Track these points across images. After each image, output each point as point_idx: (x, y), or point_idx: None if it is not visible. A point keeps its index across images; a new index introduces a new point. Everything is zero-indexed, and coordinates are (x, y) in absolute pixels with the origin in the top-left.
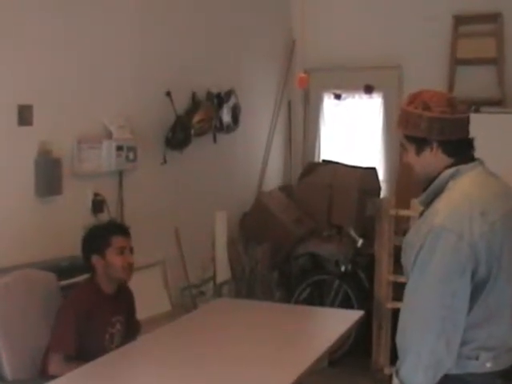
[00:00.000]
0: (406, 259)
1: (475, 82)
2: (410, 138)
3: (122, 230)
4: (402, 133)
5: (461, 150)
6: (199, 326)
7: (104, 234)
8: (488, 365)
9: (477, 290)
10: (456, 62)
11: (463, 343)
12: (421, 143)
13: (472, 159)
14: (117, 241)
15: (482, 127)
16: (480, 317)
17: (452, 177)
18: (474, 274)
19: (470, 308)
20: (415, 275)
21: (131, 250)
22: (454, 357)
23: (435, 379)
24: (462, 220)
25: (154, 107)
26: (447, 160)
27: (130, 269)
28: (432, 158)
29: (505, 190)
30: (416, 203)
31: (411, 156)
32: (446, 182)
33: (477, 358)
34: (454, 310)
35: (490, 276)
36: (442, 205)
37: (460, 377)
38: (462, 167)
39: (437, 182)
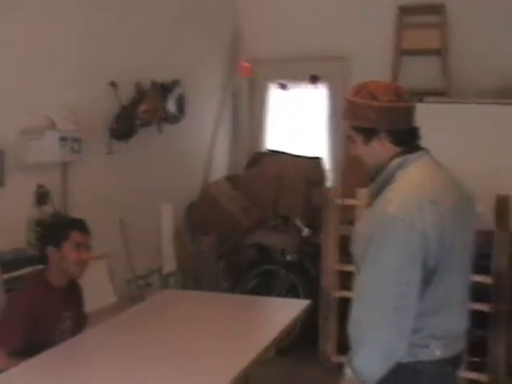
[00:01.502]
0: (356, 249)
1: (420, 72)
2: (358, 129)
3: (82, 226)
4: (348, 124)
5: (408, 139)
6: (145, 318)
7: (64, 227)
8: (438, 352)
9: (428, 279)
10: (401, 52)
11: (414, 332)
12: (369, 133)
13: (418, 148)
14: (75, 236)
15: (426, 117)
16: (431, 306)
17: (400, 166)
18: (425, 263)
19: (421, 297)
20: (367, 265)
21: (88, 249)
22: (405, 345)
23: (388, 367)
24: (413, 209)
25: (98, 98)
26: (395, 149)
27: (83, 266)
28: (380, 148)
29: (451, 180)
30: (362, 193)
31: (359, 147)
32: (394, 172)
33: (427, 346)
34: (407, 300)
35: (440, 265)
36: (392, 194)
37: (411, 365)
38: (409, 157)
39: (385, 172)
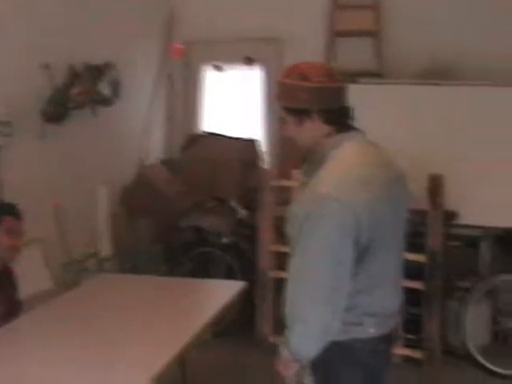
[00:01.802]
0: (291, 229)
1: (354, 53)
2: (290, 110)
3: (14, 211)
4: (280, 106)
5: (340, 119)
6: (81, 303)
7: None
8: (371, 330)
9: (360, 257)
10: (335, 34)
11: (348, 309)
12: (301, 114)
13: (352, 128)
14: (7, 221)
15: (360, 98)
16: (363, 284)
17: (333, 146)
18: (357, 241)
19: (354, 275)
20: (301, 244)
21: (20, 234)
22: (339, 323)
23: (323, 345)
24: (346, 188)
25: (30, 80)
26: (328, 129)
27: (15, 251)
28: (313, 129)
29: (385, 160)
30: (298, 174)
31: (292, 128)
32: (328, 152)
33: (361, 324)
34: (340, 278)
35: (373, 243)
36: (325, 174)
37: (346, 342)
38: (342, 136)
39: (318, 152)
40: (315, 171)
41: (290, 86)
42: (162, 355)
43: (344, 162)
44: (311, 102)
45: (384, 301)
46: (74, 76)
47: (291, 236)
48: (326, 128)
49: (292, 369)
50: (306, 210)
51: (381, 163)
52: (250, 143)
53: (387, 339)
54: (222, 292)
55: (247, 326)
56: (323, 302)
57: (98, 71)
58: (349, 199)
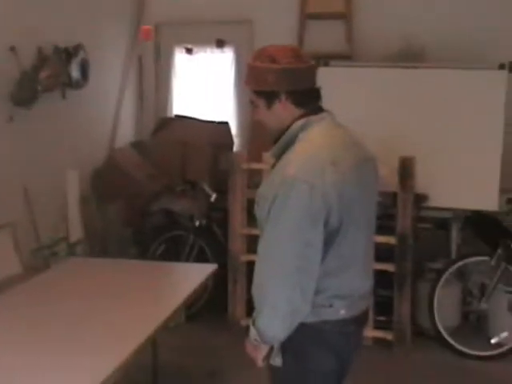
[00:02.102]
0: (260, 211)
1: (325, 36)
2: (259, 93)
3: None
4: (250, 89)
5: (309, 100)
6: (50, 287)
7: None
8: (342, 312)
9: (330, 239)
10: (306, 16)
11: (318, 292)
12: (270, 96)
13: (321, 110)
14: None
15: (332, 81)
16: (333, 266)
17: (302, 128)
18: (326, 223)
19: (324, 257)
20: (269, 226)
21: None
22: (309, 305)
23: (292, 327)
24: (314, 170)
25: None
26: (297, 111)
27: None
28: (282, 110)
29: (353, 141)
30: (268, 156)
31: (262, 111)
32: (297, 134)
33: (331, 306)
34: (309, 260)
35: (342, 225)
36: (293, 156)
37: (316, 324)
38: (311, 118)
39: (287, 134)
40: (283, 153)
41: (258, 69)
42: (134, 337)
43: (312, 143)
44: (279, 84)
45: (354, 282)
46: (43, 59)
47: (260, 218)
48: (294, 109)
49: (260, 350)
50: (274, 192)
51: (349, 145)
52: (221, 126)
53: (358, 321)
54: (194, 275)
55: (219, 310)
56: (291, 284)
57: (66, 54)
58: (317, 181)
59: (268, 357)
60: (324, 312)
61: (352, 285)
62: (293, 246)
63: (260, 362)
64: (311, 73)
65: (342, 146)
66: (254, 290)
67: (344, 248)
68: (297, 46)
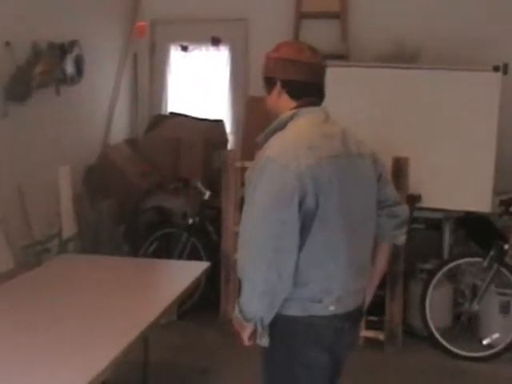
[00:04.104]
0: (247, 195)
1: (320, 36)
2: (264, 79)
3: None
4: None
5: (305, 94)
6: (40, 283)
7: None
8: (331, 308)
9: (307, 222)
10: (301, 15)
11: (303, 284)
12: (269, 83)
13: (314, 104)
14: None
15: (326, 80)
16: (316, 255)
17: (291, 117)
18: (302, 204)
19: (304, 243)
20: (246, 207)
21: None
22: (287, 286)
23: (273, 307)
24: (289, 152)
25: None
26: (291, 102)
27: None
28: (277, 98)
29: (345, 137)
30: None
31: (265, 98)
32: (286, 122)
33: (320, 301)
34: (284, 240)
35: (319, 209)
36: (273, 140)
37: (307, 319)
38: (301, 110)
39: (276, 121)
40: (268, 139)
41: (266, 57)
42: (125, 334)
43: (294, 131)
44: (276, 71)
45: (342, 278)
46: (37, 54)
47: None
48: (288, 100)
49: (245, 328)
50: (253, 174)
51: (335, 138)
52: (216, 124)
53: (351, 318)
54: (186, 273)
55: (211, 308)
56: (267, 264)
57: (61, 50)
58: (291, 162)
59: (255, 336)
60: (313, 307)
61: (341, 280)
62: (268, 226)
63: (246, 341)
64: (314, 69)
65: (325, 137)
66: (238, 270)
67: (325, 237)
68: (307, 44)
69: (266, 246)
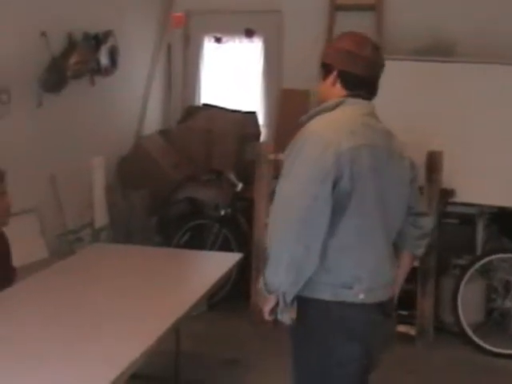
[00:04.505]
0: (283, 170)
1: (355, 28)
2: (322, 64)
3: (1, 176)
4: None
5: (357, 87)
6: (75, 271)
7: None
8: (361, 296)
9: (341, 205)
10: (336, 7)
11: (333, 270)
12: (326, 69)
13: (364, 98)
14: None
15: None
16: (347, 241)
17: (337, 104)
18: (336, 183)
19: (335, 228)
20: (282, 179)
21: (5, 194)
22: (313, 262)
23: (297, 283)
24: (333, 131)
25: (28, 48)
26: (342, 91)
27: (7, 214)
28: (330, 86)
29: (386, 133)
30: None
31: (320, 83)
32: (332, 108)
33: (351, 288)
34: (315, 214)
35: (353, 194)
36: (317, 119)
37: (338, 306)
38: (348, 99)
39: (323, 105)
40: (312, 119)
41: (328, 44)
42: (158, 325)
43: (338, 115)
44: (335, 60)
45: (371, 266)
46: (72, 45)
47: None
48: (341, 90)
49: (268, 302)
50: (293, 147)
51: (377, 130)
52: (249, 116)
53: (382, 310)
54: (219, 264)
55: (242, 299)
56: (294, 235)
57: (96, 40)
58: (333, 140)
59: (277, 311)
60: (343, 293)
61: (370, 269)
62: (300, 198)
63: (267, 315)
64: (372, 66)
65: (368, 127)
66: (267, 244)
67: (359, 224)
68: (372, 40)
69: (295, 218)
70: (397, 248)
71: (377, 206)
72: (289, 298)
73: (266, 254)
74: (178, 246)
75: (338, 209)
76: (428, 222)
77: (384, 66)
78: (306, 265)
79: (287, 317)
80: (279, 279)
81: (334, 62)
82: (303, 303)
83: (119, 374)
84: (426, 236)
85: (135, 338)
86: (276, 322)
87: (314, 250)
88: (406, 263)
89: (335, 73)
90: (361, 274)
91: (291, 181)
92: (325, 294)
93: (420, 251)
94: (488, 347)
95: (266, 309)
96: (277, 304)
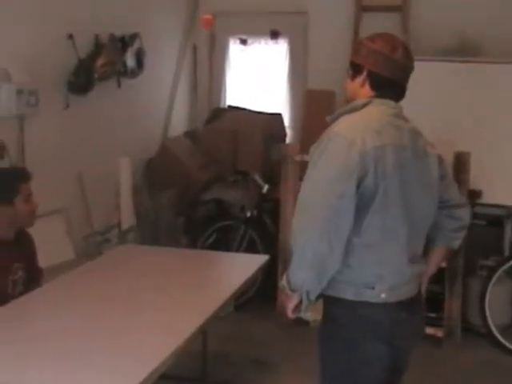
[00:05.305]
0: (308, 170)
1: (381, 29)
2: (351, 63)
3: (26, 176)
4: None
5: (385, 89)
6: (103, 272)
7: (12, 183)
8: (383, 295)
9: (365, 204)
10: (362, 8)
11: (356, 268)
12: (356, 69)
13: (391, 99)
14: (24, 189)
15: None
16: (370, 239)
17: (365, 105)
18: (360, 181)
19: (360, 226)
20: (307, 177)
21: (32, 196)
22: (337, 261)
23: (320, 281)
24: (358, 131)
25: (55, 50)
26: (370, 92)
27: (33, 216)
28: (359, 86)
29: (414, 132)
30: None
31: (348, 81)
32: (358, 108)
33: (373, 288)
34: (339, 212)
35: (378, 193)
36: (343, 119)
37: (361, 306)
38: (375, 99)
39: (349, 105)
40: (338, 119)
41: (359, 43)
42: (185, 326)
43: (364, 115)
44: (366, 60)
45: (394, 264)
46: (99, 47)
47: None
48: (369, 91)
49: (290, 299)
50: (318, 148)
51: (403, 130)
52: (275, 117)
53: (406, 308)
54: (246, 265)
55: (268, 300)
56: (319, 232)
57: (123, 42)
58: (357, 139)
59: (299, 308)
60: (365, 293)
61: (393, 267)
62: (324, 195)
63: (289, 313)
64: (402, 69)
65: (393, 127)
66: (291, 241)
67: (383, 223)
68: (404, 42)
69: (319, 216)
70: (431, 242)
71: (401, 205)
72: (313, 297)
73: (289, 252)
74: (204, 247)
75: (362, 207)
76: (466, 213)
77: (413, 68)
78: (329, 263)
79: (310, 314)
80: (302, 277)
81: (365, 63)
82: (329, 302)
83: (150, 371)
84: (464, 228)
85: (163, 338)
86: (299, 320)
87: (337, 248)
88: (439, 257)
89: (365, 73)
90: (383, 273)
91: (316, 180)
92: (348, 294)
93: (457, 243)
94: None
95: (290, 306)
96: (300, 302)
